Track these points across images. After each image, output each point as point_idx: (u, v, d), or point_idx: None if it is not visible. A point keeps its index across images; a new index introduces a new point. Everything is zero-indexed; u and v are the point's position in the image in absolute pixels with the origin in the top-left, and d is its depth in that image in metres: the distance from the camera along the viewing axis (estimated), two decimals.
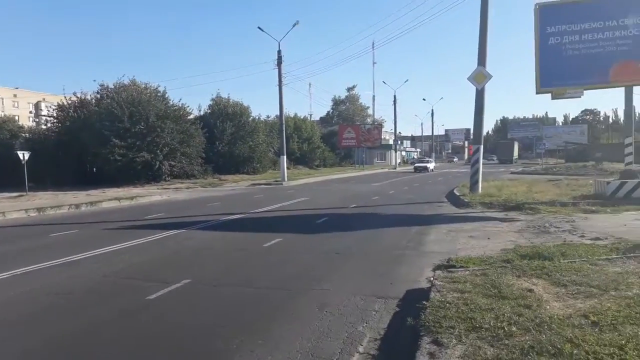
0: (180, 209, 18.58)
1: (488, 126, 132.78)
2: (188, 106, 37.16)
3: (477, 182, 19.13)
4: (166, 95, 35.43)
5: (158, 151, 31.98)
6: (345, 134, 68.95)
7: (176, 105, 35.55)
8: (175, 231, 12.25)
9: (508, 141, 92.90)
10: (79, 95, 35.17)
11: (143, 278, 7.58)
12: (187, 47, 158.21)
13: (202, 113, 43.51)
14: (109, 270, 8.17)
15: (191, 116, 38.43)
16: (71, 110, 34.19)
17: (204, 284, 7.13)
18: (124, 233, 12.20)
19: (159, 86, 35.59)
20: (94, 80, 49.17)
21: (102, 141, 30.01)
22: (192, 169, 35.48)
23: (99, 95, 34.67)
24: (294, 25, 34.96)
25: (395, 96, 67.41)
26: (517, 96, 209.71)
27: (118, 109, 30.94)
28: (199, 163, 36.25)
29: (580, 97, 17.88)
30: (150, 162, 31.58)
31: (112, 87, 34.23)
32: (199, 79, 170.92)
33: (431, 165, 51.56)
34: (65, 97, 35.60)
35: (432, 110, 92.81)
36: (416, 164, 52.54)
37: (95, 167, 33.07)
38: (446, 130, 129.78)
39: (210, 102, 44.43)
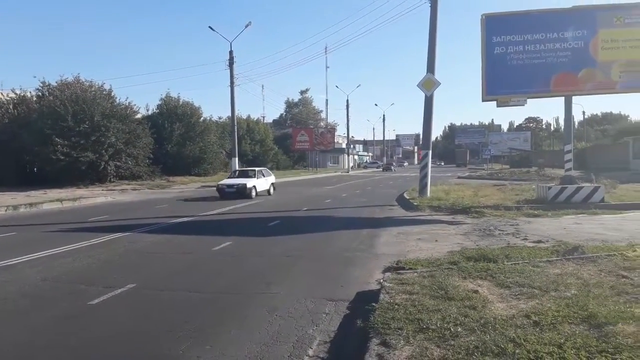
0: (126, 211, 18.00)
1: (437, 132, 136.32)
2: (135, 105, 36.21)
3: (426, 185, 19.54)
4: (112, 94, 34.36)
5: (103, 151, 30.92)
6: (299, 137, 69.05)
7: (123, 104, 34.53)
8: (120, 234, 11.84)
9: (463, 149, 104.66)
10: (17, 92, 33.51)
11: (85, 282, 7.26)
12: (135, 44, 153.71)
13: (150, 113, 42.41)
14: (48, 274, 7.78)
15: (138, 116, 37.41)
16: (10, 107, 32.50)
17: (150, 289, 6.90)
18: (65, 236, 11.67)
19: (105, 84, 34.51)
20: (34, 77, 47.03)
21: (44, 140, 28.71)
22: (139, 170, 34.51)
23: (40, 93, 33.17)
24: (246, 26, 34.84)
25: (347, 100, 68.53)
26: (464, 103, 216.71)
27: (61, 107, 29.70)
28: (146, 164, 35.31)
29: (523, 105, 18.64)
30: (95, 162, 30.50)
31: (55, 84, 32.83)
32: (147, 77, 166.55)
33: (253, 183, 23.41)
34: (2, 93, 33.81)
35: (384, 115, 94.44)
36: (226, 182, 23.91)
37: (36, 167, 31.61)
38: (397, 135, 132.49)
39: (159, 102, 43.41)
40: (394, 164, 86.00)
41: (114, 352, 4.75)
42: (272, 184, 26.05)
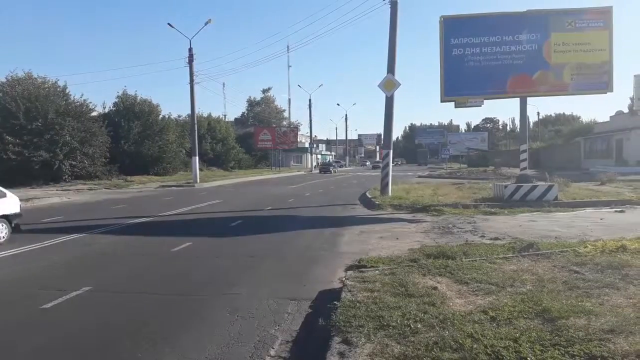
0: (82, 211, 17.46)
1: (397, 132, 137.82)
2: (91, 103, 35.16)
3: (387, 185, 19.76)
4: (67, 91, 33.30)
5: (57, 150, 29.90)
6: (262, 136, 68.59)
7: (78, 102, 33.50)
8: (76, 235, 11.46)
9: (425, 150, 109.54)
10: None
11: (38, 286, 6.99)
12: (91, 41, 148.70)
13: (106, 110, 41.25)
14: None
15: (95, 113, 36.36)
16: None
17: (106, 291, 6.71)
18: (16, 238, 11.17)
19: (59, 81, 33.39)
20: None
21: None
22: (95, 169, 33.55)
23: None
24: (206, 23, 34.36)
25: (310, 100, 68.31)
26: (424, 104, 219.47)
27: (12, 104, 28.58)
28: (102, 163, 34.35)
29: (480, 106, 19.12)
30: (49, 161, 29.45)
31: (4, 80, 31.55)
32: (103, 74, 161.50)
33: None
34: None
35: (346, 115, 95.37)
36: None
37: None
38: (359, 135, 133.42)
39: (116, 99, 42.25)
40: (333, 164, 72.19)
41: (69, 357, 4.60)
42: (10, 218, 11.00)
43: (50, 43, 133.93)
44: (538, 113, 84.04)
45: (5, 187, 9.77)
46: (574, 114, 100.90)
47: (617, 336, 4.08)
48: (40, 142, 29.05)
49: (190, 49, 34.57)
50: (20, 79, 31.53)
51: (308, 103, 67.69)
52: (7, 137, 27.68)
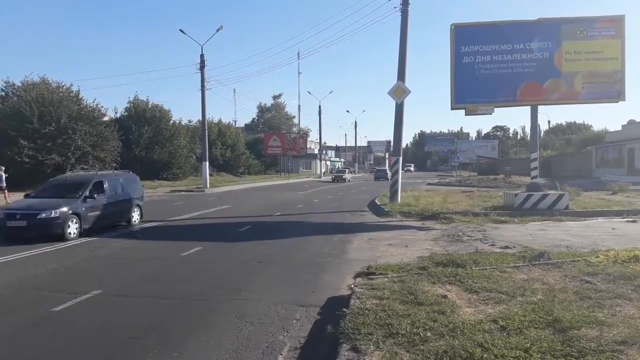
0: None
1: (407, 139, 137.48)
2: (103, 107, 35.47)
3: (396, 192, 19.71)
4: (80, 96, 33.60)
5: (70, 154, 30.19)
6: (271, 142, 68.77)
7: (90, 106, 33.78)
8: (86, 239, 11.55)
9: (436, 159, 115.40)
10: None
11: (49, 289, 7.05)
12: (104, 46, 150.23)
13: (118, 116, 41.58)
14: (9, 280, 7.53)
15: (106, 118, 36.65)
16: None
17: (116, 295, 6.75)
18: (28, 240, 11.30)
19: (72, 85, 33.73)
20: None
21: (8, 142, 27.88)
22: None
23: (4, 93, 32.21)
24: (217, 30, 34.65)
25: (320, 106, 68.37)
26: (434, 111, 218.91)
27: (27, 108, 28.91)
28: (113, 168, 34.59)
29: (491, 113, 19.02)
30: (62, 165, 29.71)
31: (20, 84, 31.93)
32: (116, 80, 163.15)
33: None
34: None
35: (355, 121, 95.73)
36: None
37: None
38: (368, 142, 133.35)
39: (128, 105, 42.59)
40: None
41: (78, 359, 4.63)
42: None
43: (64, 48, 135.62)
44: (549, 121, 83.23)
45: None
46: (586, 122, 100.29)
47: (630, 347, 4.03)
48: (53, 146, 29.36)
49: (201, 55, 34.87)
50: (35, 84, 31.91)
51: (318, 109, 67.78)
52: (22, 140, 28.00)
